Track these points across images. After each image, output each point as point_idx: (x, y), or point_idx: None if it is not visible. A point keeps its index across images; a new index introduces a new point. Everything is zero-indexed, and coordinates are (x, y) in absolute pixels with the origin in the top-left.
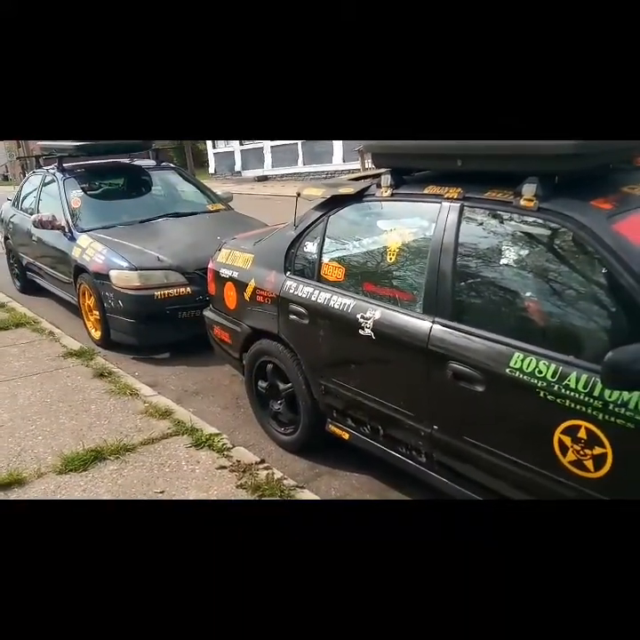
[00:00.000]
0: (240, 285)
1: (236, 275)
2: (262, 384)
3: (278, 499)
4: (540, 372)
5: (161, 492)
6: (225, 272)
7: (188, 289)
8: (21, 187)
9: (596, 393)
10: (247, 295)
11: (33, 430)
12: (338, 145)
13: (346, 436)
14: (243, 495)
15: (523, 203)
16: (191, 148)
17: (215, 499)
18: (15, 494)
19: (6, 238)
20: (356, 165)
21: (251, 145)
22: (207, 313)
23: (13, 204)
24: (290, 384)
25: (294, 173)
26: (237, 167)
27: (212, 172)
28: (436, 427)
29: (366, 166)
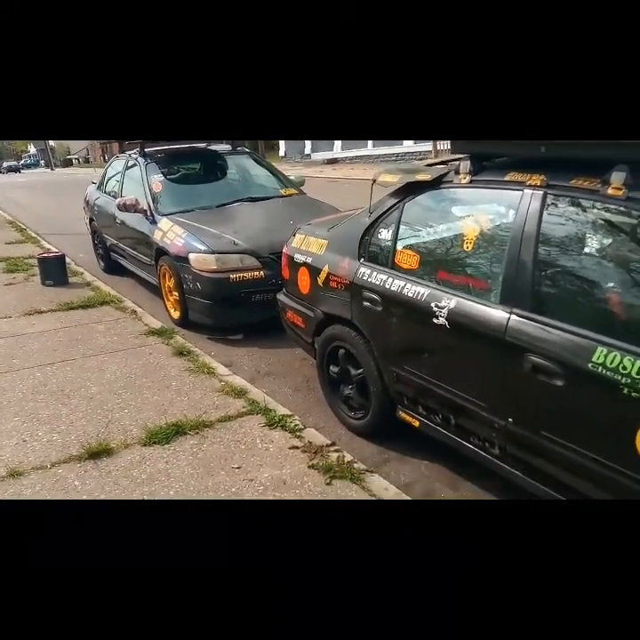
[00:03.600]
0: (314, 271)
1: (309, 260)
2: (333, 368)
3: (272, 499)
4: (625, 368)
5: (238, 468)
6: (299, 257)
7: (262, 273)
8: (105, 170)
9: None
10: (320, 280)
11: (119, 403)
12: None
13: (416, 424)
14: (314, 475)
15: (611, 191)
16: None
17: (212, 498)
18: (104, 463)
19: (91, 220)
20: (428, 147)
21: None
22: (280, 297)
23: (98, 188)
24: (361, 369)
25: (364, 156)
26: (307, 150)
27: (282, 155)
28: (511, 419)
29: (438, 148)
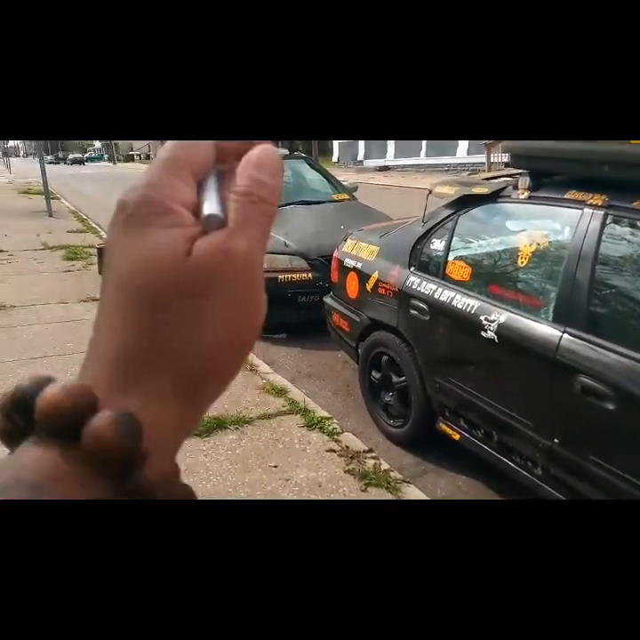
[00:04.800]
0: (363, 276)
1: (359, 265)
2: (375, 374)
3: (273, 499)
4: None
5: (275, 466)
6: (349, 262)
7: (310, 275)
8: None
9: None
10: (369, 286)
11: None
12: None
13: (456, 437)
14: (350, 481)
15: None
16: None
17: (212, 498)
18: None
19: None
20: (481, 159)
21: None
22: (328, 300)
23: None
24: (403, 377)
25: (416, 165)
26: (360, 156)
27: (335, 160)
28: (556, 440)
29: (492, 160)
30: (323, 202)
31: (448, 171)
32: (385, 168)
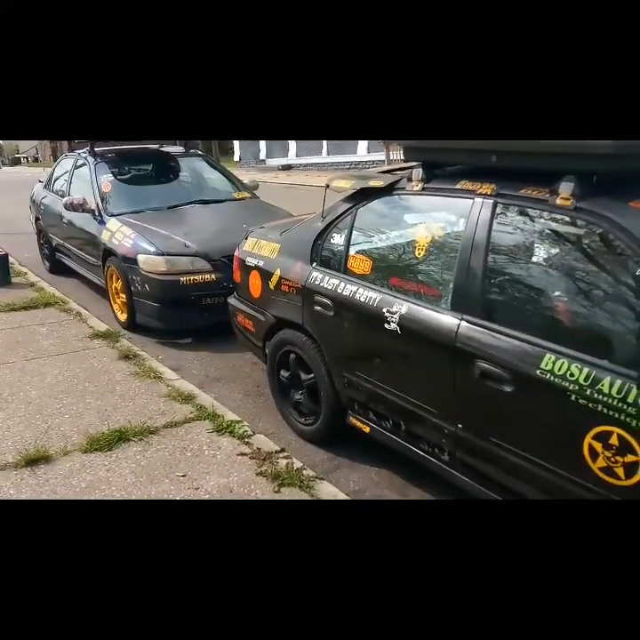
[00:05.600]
0: (265, 274)
1: (261, 263)
2: (284, 373)
3: (270, 499)
4: (572, 375)
5: (183, 476)
6: (251, 260)
7: (213, 276)
8: (53, 169)
9: (630, 399)
10: (272, 284)
11: (60, 409)
12: None
13: (366, 430)
14: (262, 483)
15: (559, 201)
16: None
17: (209, 497)
18: (42, 471)
19: (37, 219)
20: (381, 156)
21: None
22: (231, 300)
23: (45, 186)
24: (312, 375)
25: (318, 163)
26: (262, 155)
27: (237, 159)
28: (460, 425)
29: (391, 158)
30: (223, 200)
31: (349, 168)
32: (288, 167)
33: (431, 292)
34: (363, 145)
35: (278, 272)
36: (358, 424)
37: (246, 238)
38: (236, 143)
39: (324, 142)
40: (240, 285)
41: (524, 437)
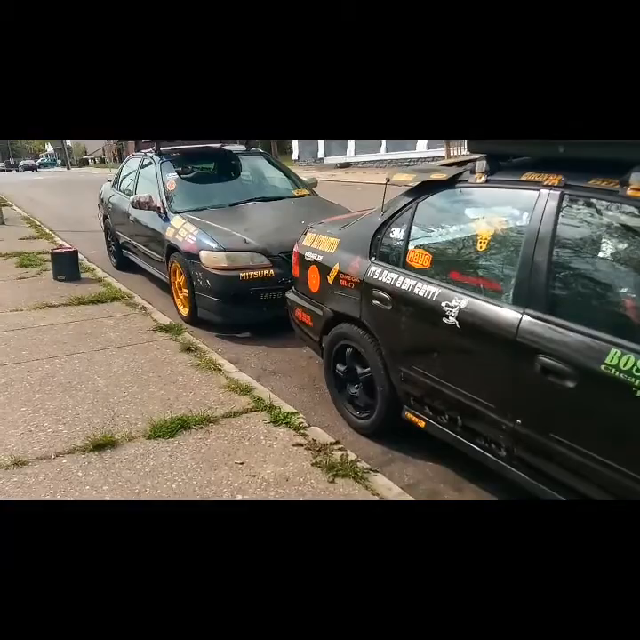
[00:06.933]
0: (324, 269)
1: (320, 258)
2: (340, 367)
3: (275, 499)
4: (639, 370)
5: (241, 463)
6: (310, 255)
7: (272, 271)
8: (121, 169)
9: None
10: (331, 279)
11: (125, 397)
12: None
13: (422, 424)
14: (318, 473)
15: (630, 192)
16: None
17: (214, 496)
18: (108, 455)
19: (105, 217)
20: (441, 153)
21: None
22: (290, 295)
23: (113, 185)
24: (368, 369)
25: (376, 160)
26: (320, 154)
27: (295, 158)
28: (519, 421)
29: (451, 154)
30: (282, 198)
31: (409, 165)
32: (346, 165)
33: (492, 286)
34: (422, 142)
35: (337, 267)
36: (414, 419)
37: (306, 233)
38: (295, 142)
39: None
40: (299, 280)
41: (586, 434)
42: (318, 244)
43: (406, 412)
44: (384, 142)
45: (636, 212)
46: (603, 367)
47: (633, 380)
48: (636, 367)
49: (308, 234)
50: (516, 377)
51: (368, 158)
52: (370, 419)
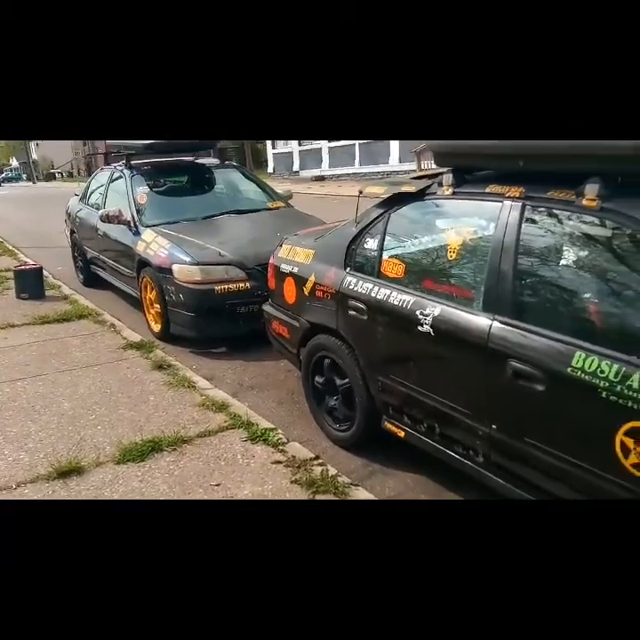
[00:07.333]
0: (300, 280)
1: (296, 270)
2: (319, 379)
3: (284, 499)
4: (603, 371)
5: (217, 485)
6: (285, 267)
7: (248, 284)
8: (89, 183)
9: None
10: (306, 290)
11: (93, 420)
12: (394, 146)
13: (401, 434)
14: (297, 491)
15: (585, 202)
16: (250, 147)
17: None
18: (74, 482)
19: (73, 232)
20: (413, 166)
21: (309, 145)
22: (266, 307)
23: (80, 200)
24: (346, 380)
25: (351, 173)
26: (295, 167)
27: (271, 171)
28: (494, 426)
29: (422, 167)
30: (257, 210)
31: (382, 178)
32: (321, 178)
33: (463, 294)
34: (395, 155)
35: (313, 278)
36: (393, 429)
37: (281, 245)
38: (270, 155)
39: (357, 152)
40: (275, 292)
41: (557, 436)
42: (294, 255)
43: (386, 423)
44: (357, 156)
45: (591, 220)
46: (569, 370)
47: (598, 381)
48: (599, 369)
49: (283, 245)
50: (489, 382)
51: (343, 171)
52: (349, 431)
